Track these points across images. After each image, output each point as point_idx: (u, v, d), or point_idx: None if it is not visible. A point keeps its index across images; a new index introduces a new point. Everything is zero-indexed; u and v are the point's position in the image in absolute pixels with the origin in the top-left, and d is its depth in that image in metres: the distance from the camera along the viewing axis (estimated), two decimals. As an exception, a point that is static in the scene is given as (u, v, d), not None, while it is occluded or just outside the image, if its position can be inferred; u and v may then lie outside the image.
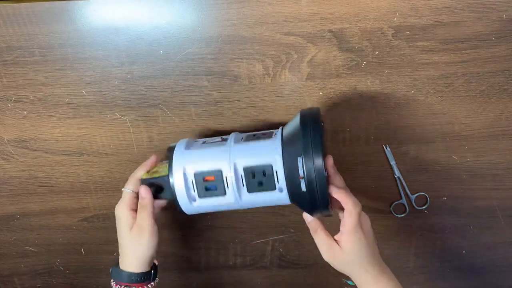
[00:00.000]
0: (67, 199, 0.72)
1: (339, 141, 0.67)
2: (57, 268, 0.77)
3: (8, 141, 0.68)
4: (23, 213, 0.72)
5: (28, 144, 0.68)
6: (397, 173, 0.68)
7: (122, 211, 0.59)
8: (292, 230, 0.73)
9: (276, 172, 0.54)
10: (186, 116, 0.66)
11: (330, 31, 0.61)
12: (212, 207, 0.57)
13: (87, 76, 0.64)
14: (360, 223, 0.55)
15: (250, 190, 0.55)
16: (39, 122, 0.67)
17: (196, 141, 0.60)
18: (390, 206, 0.71)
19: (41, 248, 0.75)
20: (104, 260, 0.76)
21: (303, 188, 0.51)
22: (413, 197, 0.70)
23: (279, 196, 0.55)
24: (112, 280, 0.59)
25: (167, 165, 0.57)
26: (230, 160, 0.54)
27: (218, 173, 0.54)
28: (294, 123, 0.55)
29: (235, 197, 0.55)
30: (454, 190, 0.70)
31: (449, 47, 0.62)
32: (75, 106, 0.66)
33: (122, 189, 0.60)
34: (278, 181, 0.54)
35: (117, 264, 0.60)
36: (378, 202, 0.71)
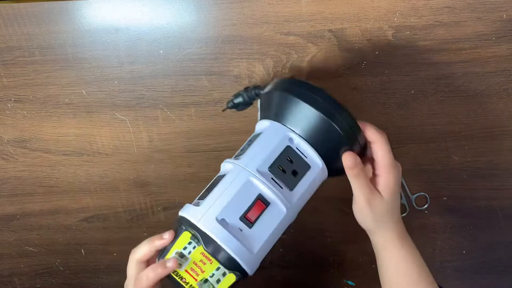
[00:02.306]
0: (67, 199, 0.71)
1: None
2: (57, 268, 0.77)
3: (8, 141, 0.68)
4: (23, 213, 0.73)
5: (28, 144, 0.68)
6: (397, 173, 0.68)
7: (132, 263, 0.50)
8: (292, 230, 0.73)
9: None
10: (186, 116, 0.66)
11: (330, 31, 0.61)
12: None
13: (87, 76, 0.64)
14: (393, 159, 0.51)
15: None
16: (39, 122, 0.67)
17: (198, 197, 0.50)
18: (390, 206, 0.71)
19: (41, 248, 0.75)
20: (104, 260, 0.76)
21: (337, 127, 0.47)
22: (413, 197, 0.70)
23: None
24: None
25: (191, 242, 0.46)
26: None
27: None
28: (267, 102, 0.52)
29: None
30: (454, 190, 0.70)
31: (449, 47, 0.62)
32: (75, 106, 0.66)
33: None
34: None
35: None
36: (378, 202, 0.71)
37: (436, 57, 0.62)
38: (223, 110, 0.59)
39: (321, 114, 0.48)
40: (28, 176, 0.70)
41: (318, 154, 0.49)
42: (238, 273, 0.46)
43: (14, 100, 0.66)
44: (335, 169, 0.51)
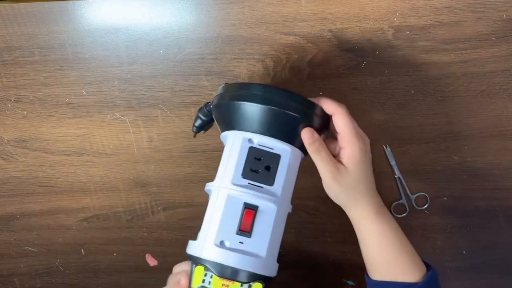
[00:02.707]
0: (67, 199, 0.71)
1: (339, 141, 0.67)
2: (57, 268, 0.77)
3: (8, 141, 0.68)
4: (23, 213, 0.72)
5: (28, 144, 0.68)
6: (397, 173, 0.68)
7: None
8: (292, 230, 0.73)
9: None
10: (186, 116, 0.66)
11: (330, 31, 0.61)
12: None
13: (87, 76, 0.64)
14: (357, 130, 0.51)
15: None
16: (39, 122, 0.67)
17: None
18: (390, 206, 0.71)
19: (41, 248, 0.75)
20: (104, 260, 0.76)
21: (287, 111, 0.48)
22: (413, 197, 0.70)
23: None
24: None
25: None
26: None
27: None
28: (216, 117, 0.54)
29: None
30: (454, 190, 0.70)
31: (449, 47, 0.62)
32: (75, 106, 0.66)
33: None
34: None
35: None
36: (378, 202, 0.71)
37: (436, 57, 0.62)
38: (194, 137, 0.60)
39: (265, 106, 0.48)
40: (28, 176, 0.70)
41: (282, 141, 0.50)
42: (261, 281, 0.47)
43: (14, 100, 0.66)
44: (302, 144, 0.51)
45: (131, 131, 0.67)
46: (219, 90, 0.53)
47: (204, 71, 0.64)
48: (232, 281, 0.46)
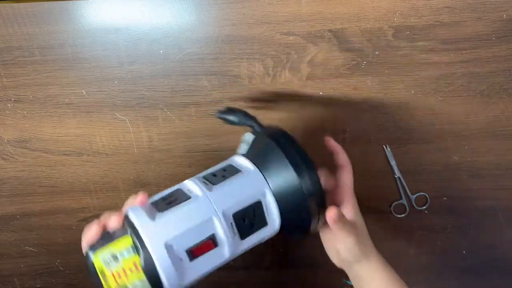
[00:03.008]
0: (67, 199, 0.71)
1: (339, 141, 0.67)
2: (57, 268, 0.77)
3: (8, 141, 0.68)
4: (23, 213, 0.72)
5: (28, 144, 0.68)
6: (397, 173, 0.68)
7: None
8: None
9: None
10: (186, 116, 0.66)
11: (330, 31, 0.61)
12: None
13: (87, 76, 0.64)
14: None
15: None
16: (39, 122, 0.67)
17: (153, 202, 0.48)
18: (390, 206, 0.71)
19: (41, 248, 0.75)
20: (104, 260, 0.76)
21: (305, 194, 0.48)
22: (413, 197, 0.70)
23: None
24: None
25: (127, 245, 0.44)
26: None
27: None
28: (261, 146, 0.51)
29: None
30: (454, 190, 0.70)
31: (449, 47, 0.62)
32: (75, 106, 0.66)
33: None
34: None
35: None
36: (378, 202, 0.71)
37: (436, 57, 0.62)
38: (213, 115, 0.58)
39: (299, 183, 0.47)
40: (28, 176, 0.70)
41: (279, 215, 0.50)
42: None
43: (14, 100, 0.66)
44: (287, 227, 0.51)
45: (131, 131, 0.67)
46: (275, 129, 0.52)
47: (204, 71, 0.64)
48: (139, 272, 0.43)
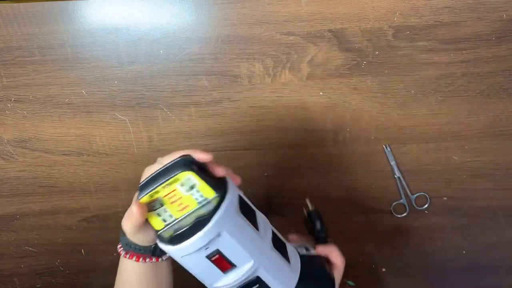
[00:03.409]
0: (67, 199, 0.71)
1: (339, 141, 0.67)
2: (57, 268, 0.77)
3: (8, 141, 0.68)
4: (23, 213, 0.72)
5: (28, 144, 0.68)
6: (397, 173, 0.68)
7: None
8: (292, 230, 0.73)
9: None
10: (186, 116, 0.66)
11: (330, 31, 0.61)
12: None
13: (87, 76, 0.64)
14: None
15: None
16: (39, 122, 0.67)
17: (243, 202, 0.47)
18: (390, 206, 0.71)
19: (41, 248, 0.75)
20: (104, 260, 0.76)
21: None
22: (413, 197, 0.70)
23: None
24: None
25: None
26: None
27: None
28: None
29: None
30: (454, 190, 0.70)
31: (449, 47, 0.62)
32: (75, 106, 0.66)
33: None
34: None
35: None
36: (378, 202, 0.71)
37: (436, 57, 0.62)
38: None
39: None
40: (28, 176, 0.70)
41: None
42: None
43: (14, 100, 0.66)
44: None
45: (131, 131, 0.67)
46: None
47: (204, 71, 0.64)
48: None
